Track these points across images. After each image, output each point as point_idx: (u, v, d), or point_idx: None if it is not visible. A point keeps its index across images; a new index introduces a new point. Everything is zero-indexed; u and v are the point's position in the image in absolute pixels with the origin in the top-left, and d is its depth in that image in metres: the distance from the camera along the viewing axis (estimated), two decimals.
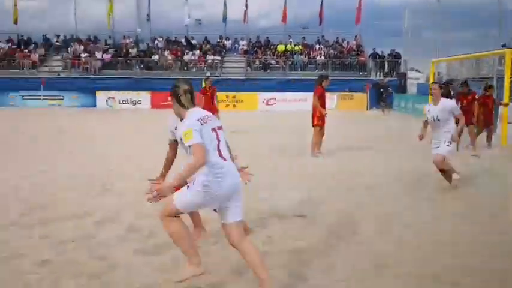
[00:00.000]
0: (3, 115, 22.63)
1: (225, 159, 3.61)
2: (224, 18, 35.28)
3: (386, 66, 31.69)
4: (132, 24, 36.03)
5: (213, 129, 3.61)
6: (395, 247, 4.78)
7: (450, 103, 7.31)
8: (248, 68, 32.14)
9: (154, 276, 4.05)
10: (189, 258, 3.74)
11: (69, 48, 33.22)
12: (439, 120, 7.11)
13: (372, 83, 28.90)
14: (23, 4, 35.99)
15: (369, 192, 7.19)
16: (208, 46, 33.39)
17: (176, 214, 3.66)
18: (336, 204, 6.41)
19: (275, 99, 29.09)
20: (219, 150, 3.59)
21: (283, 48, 32.73)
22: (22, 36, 34.57)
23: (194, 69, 31.74)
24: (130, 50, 32.74)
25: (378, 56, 31.95)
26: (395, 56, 31.71)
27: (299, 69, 31.78)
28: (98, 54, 32.28)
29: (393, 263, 4.34)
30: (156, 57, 32.44)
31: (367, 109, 28.44)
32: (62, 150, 11.37)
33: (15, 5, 34.61)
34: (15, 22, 35.07)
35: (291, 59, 32.17)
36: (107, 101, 29.45)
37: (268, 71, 31.70)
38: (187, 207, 3.71)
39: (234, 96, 28.95)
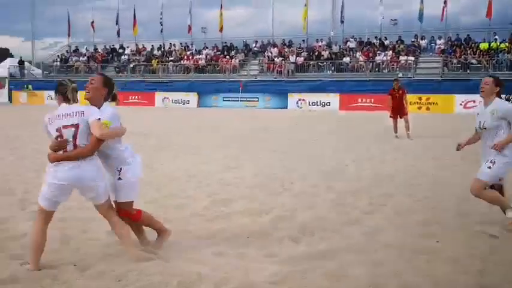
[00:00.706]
0: (206, 114, 24.96)
1: None
2: (420, 16, 33.52)
3: None
4: (326, 27, 36.69)
5: (58, 129, 4.04)
6: None
7: (504, 106, 5.08)
8: (445, 68, 30.00)
9: (320, 282, 3.92)
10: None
11: (265, 53, 35.23)
12: (485, 128, 5.14)
13: None
14: (228, 14, 39.36)
15: None
16: (401, 46, 32.08)
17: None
18: None
19: (475, 101, 26.53)
20: None
21: (487, 47, 29.74)
22: (225, 43, 37.81)
23: (386, 70, 30.84)
24: (323, 53, 33.25)
25: None
26: None
27: (505, 69, 28.50)
28: (292, 58, 33.51)
29: None
30: (347, 59, 32.38)
31: None
32: (252, 149, 11.98)
33: (221, 14, 38.07)
34: (221, 30, 38.62)
35: (496, 58, 29.04)
36: (297, 102, 30.38)
37: (468, 71, 29.10)
38: (45, 201, 4.08)
39: (427, 99, 27.30)
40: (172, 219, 5.55)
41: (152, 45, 40.10)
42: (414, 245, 4.76)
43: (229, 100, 32.02)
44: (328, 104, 29.49)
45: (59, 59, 42.25)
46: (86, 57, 40.88)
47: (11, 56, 54.25)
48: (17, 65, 41.66)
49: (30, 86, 37.96)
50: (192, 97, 32.75)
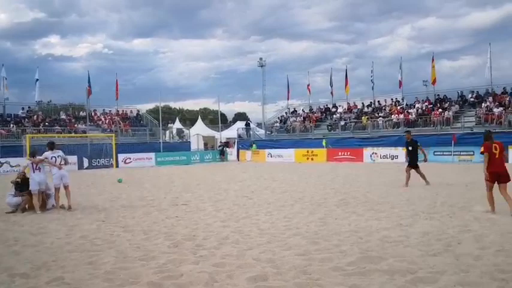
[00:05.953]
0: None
1: None
2: None
3: None
4: None
5: None
6: None
7: None
8: None
9: None
10: None
11: (482, 104, 32.83)
12: None
13: None
14: (441, 65, 38.15)
15: None
16: None
17: None
18: None
19: None
20: None
21: None
22: (438, 95, 36.49)
23: None
24: None
25: None
26: None
27: None
28: None
29: None
30: None
31: None
32: None
33: (433, 67, 37.02)
34: (433, 83, 37.51)
35: None
36: None
37: None
38: None
39: None
40: None
41: (363, 103, 41.06)
42: None
43: (440, 154, 30.54)
44: None
45: (279, 120, 46.32)
46: (302, 118, 43.93)
47: (247, 118, 61.70)
48: (244, 127, 47.14)
49: (254, 146, 42.28)
50: (401, 151, 32.17)
